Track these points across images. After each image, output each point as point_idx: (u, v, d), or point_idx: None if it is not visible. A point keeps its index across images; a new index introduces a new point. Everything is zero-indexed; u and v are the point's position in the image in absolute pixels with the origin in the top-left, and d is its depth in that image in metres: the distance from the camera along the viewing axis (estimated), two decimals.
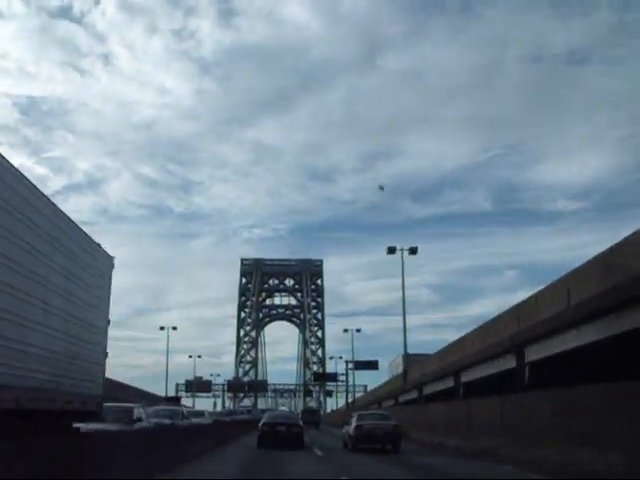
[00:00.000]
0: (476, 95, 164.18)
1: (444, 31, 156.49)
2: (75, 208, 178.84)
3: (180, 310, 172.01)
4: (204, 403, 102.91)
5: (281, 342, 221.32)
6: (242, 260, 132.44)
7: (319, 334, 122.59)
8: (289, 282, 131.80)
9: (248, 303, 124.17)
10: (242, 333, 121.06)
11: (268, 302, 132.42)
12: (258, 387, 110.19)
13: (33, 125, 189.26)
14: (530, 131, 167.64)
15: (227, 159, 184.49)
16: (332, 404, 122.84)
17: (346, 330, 70.73)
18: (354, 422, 22.32)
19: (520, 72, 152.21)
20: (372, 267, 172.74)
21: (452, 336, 40.61)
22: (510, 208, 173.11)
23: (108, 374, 14.26)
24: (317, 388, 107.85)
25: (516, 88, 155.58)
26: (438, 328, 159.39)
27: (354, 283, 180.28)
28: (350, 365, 69.95)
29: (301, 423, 23.80)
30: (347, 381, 73.30)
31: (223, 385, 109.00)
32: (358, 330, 70.28)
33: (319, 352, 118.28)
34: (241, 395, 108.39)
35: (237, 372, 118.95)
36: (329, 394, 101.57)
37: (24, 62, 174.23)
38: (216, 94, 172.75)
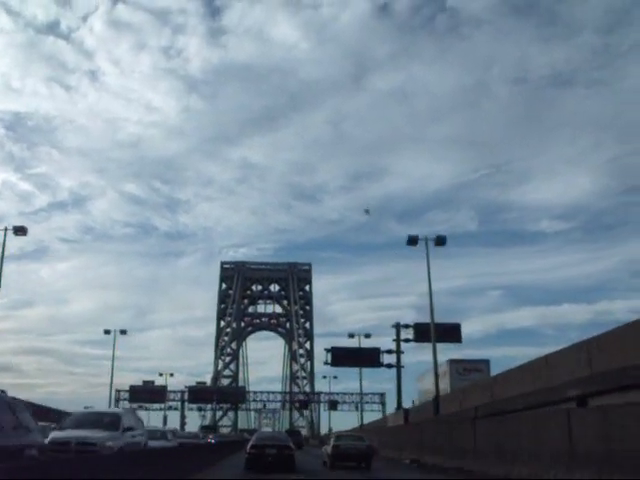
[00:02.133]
0: (462, 115, 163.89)
1: (431, 52, 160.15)
2: (60, 226, 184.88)
3: (164, 329, 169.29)
4: (157, 418, 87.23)
5: (265, 359, 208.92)
6: (222, 263, 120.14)
7: (307, 346, 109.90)
8: (274, 288, 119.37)
9: (228, 311, 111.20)
10: (222, 344, 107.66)
11: (251, 310, 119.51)
12: (233, 396, 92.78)
13: (18, 141, 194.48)
14: (515, 152, 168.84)
15: (213, 177, 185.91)
16: (340, 419, 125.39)
17: (352, 336, 58.80)
18: (332, 442, 24.76)
19: (506, 93, 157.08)
20: (358, 287, 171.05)
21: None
22: (495, 228, 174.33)
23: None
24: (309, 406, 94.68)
25: (502, 109, 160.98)
26: (423, 350, 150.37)
27: (339, 303, 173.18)
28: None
29: (292, 445, 22.15)
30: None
31: (182, 392, 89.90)
32: (367, 336, 59.88)
33: (307, 365, 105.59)
34: (208, 407, 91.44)
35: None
36: (334, 406, 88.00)
37: (10, 77, 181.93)
38: (203, 112, 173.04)
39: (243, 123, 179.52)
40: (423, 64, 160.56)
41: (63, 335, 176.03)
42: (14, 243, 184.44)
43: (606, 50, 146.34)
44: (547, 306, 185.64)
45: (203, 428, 68.32)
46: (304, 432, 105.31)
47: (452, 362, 35.54)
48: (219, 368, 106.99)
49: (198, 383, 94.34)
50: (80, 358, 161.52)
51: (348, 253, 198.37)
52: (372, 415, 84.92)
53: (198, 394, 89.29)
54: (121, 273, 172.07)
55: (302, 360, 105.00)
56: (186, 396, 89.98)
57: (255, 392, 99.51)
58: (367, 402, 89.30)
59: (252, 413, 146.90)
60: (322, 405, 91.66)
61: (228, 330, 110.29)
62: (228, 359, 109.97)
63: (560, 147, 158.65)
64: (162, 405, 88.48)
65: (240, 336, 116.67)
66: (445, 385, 36.00)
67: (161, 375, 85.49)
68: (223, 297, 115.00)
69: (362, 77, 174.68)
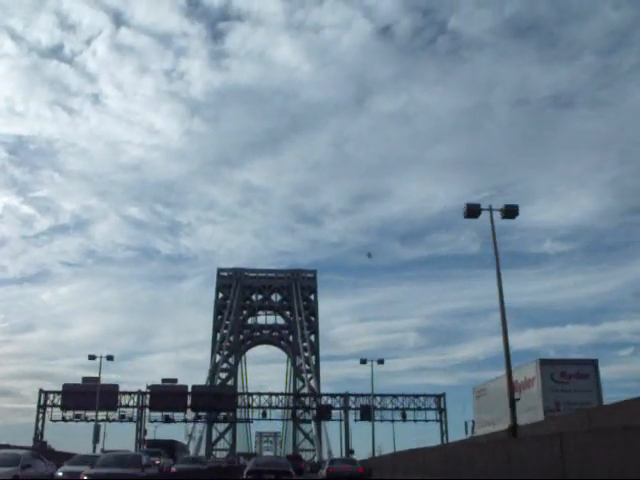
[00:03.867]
0: (464, 137, 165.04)
1: (432, 74, 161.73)
2: (61, 250, 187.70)
3: (167, 353, 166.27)
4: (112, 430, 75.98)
5: (266, 377, 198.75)
6: (219, 270, 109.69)
7: (313, 360, 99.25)
8: (276, 297, 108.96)
9: (226, 323, 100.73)
10: (218, 359, 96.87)
11: (250, 321, 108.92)
12: (216, 400, 70.77)
13: (21, 165, 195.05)
14: (518, 173, 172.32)
15: (215, 200, 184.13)
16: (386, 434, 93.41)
17: (364, 362, 51.65)
18: (327, 465, 29.16)
19: (507, 115, 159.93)
20: (360, 310, 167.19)
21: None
22: (498, 250, 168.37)
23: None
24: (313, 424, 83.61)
25: (504, 130, 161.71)
26: (426, 372, 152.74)
27: (341, 326, 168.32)
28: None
29: (292, 470, 20.92)
30: None
31: (140, 395, 70.06)
32: (381, 361, 51.94)
33: (312, 382, 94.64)
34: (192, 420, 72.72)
35: None
36: (366, 414, 69.28)
37: (13, 101, 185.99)
38: (205, 135, 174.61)
39: (245, 146, 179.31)
40: (425, 86, 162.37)
41: (64, 359, 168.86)
42: (16, 267, 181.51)
43: (607, 71, 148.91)
44: (551, 327, 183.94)
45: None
46: (310, 456, 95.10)
47: (544, 363, 24.22)
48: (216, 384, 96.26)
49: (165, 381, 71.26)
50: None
51: (350, 275, 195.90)
52: (425, 428, 73.32)
53: (163, 398, 69.18)
54: (123, 297, 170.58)
55: (308, 376, 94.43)
56: (147, 401, 70.62)
57: (251, 394, 78.00)
58: (418, 408, 74.42)
59: (253, 437, 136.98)
60: (353, 413, 74.11)
61: (227, 344, 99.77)
62: (225, 375, 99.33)
63: (562, 168, 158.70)
64: (116, 413, 68.89)
65: (238, 351, 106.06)
66: (534, 399, 25.41)
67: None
68: (220, 308, 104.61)
69: (364, 99, 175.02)
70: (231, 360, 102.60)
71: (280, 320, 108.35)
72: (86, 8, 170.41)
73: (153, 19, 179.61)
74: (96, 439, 50.68)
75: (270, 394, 76.55)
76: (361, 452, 66.61)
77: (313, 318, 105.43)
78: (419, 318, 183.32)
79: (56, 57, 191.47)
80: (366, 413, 68.56)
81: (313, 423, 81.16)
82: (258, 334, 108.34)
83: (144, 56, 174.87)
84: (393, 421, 72.35)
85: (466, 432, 35.00)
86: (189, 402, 71.24)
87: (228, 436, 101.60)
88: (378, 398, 72.70)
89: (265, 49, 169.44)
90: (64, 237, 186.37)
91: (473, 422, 34.51)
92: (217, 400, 72.04)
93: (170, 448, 44.85)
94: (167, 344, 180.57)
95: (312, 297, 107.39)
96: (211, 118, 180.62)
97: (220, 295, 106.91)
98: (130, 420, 69.67)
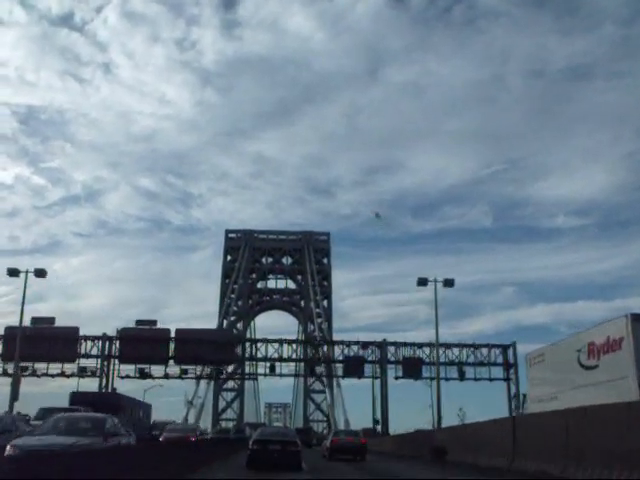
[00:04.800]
0: (478, 109, 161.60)
1: (447, 45, 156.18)
2: (73, 220, 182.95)
3: (178, 323, 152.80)
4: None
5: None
6: (227, 232, 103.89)
7: (326, 327, 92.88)
8: (287, 260, 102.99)
9: (234, 287, 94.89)
10: (225, 324, 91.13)
11: (260, 285, 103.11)
12: (213, 350, 57.71)
13: (32, 135, 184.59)
14: (532, 146, 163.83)
15: (227, 171, 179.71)
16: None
17: (424, 282, 36.80)
18: (330, 437, 29.72)
19: (522, 87, 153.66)
20: (371, 282, 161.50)
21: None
22: (510, 224, 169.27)
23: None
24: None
25: (518, 103, 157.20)
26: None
27: (352, 298, 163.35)
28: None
29: (298, 441, 20.28)
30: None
31: (106, 341, 59.11)
32: (449, 283, 36.99)
33: (324, 326, 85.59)
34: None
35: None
36: (412, 369, 59.65)
37: (24, 70, 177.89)
38: (217, 105, 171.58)
39: (258, 116, 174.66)
40: (438, 57, 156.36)
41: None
42: (28, 238, 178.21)
43: (626, 42, 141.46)
44: (562, 303, 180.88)
45: None
46: (322, 428, 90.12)
47: (637, 319, 17.76)
48: None
49: None
50: None
51: (362, 248, 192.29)
52: (489, 391, 60.45)
53: (137, 345, 56.08)
54: (134, 267, 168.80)
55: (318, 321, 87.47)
56: (115, 348, 58.55)
57: (255, 341, 65.68)
58: (480, 363, 61.48)
59: (262, 407, 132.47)
60: (393, 369, 61.99)
61: (235, 309, 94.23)
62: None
63: (577, 142, 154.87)
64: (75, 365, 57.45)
65: (247, 316, 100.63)
66: (620, 367, 18.59)
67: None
68: (228, 271, 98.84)
69: (377, 70, 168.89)
70: (239, 326, 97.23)
71: (291, 284, 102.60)
72: None
73: None
74: (14, 396, 36.11)
75: (280, 341, 63.87)
76: (399, 423, 61.03)
77: (326, 283, 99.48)
78: (429, 291, 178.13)
79: (67, 25, 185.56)
80: (412, 368, 57.04)
81: (327, 390, 72.66)
82: (268, 298, 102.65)
83: (155, 25, 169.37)
84: (448, 379, 59.00)
85: (517, 408, 28.84)
86: (172, 351, 58.68)
87: (236, 405, 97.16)
88: (426, 349, 60.74)
89: (278, 18, 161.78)
90: (76, 208, 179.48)
91: (524, 396, 28.21)
92: (212, 349, 56.99)
93: (107, 406, 28.29)
94: (178, 315, 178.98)
95: (325, 261, 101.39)
96: (223, 88, 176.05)
97: (229, 258, 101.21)
98: (93, 375, 57.61)
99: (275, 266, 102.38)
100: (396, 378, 61.54)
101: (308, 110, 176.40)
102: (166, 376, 60.10)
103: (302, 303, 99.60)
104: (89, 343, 59.53)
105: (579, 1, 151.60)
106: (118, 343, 59.34)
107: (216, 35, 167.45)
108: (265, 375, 64.06)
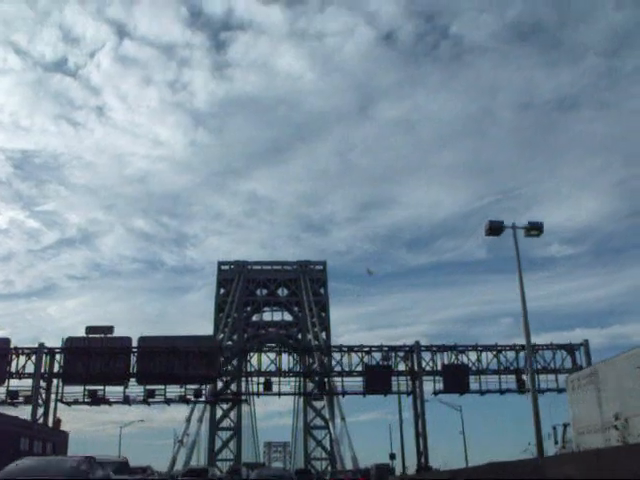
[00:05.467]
0: (469, 142, 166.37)
1: (435, 79, 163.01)
2: (68, 263, 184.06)
3: None
4: None
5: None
6: (219, 264, 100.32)
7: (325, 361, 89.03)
8: (282, 292, 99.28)
9: (227, 320, 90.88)
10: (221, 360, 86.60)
11: (255, 318, 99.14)
12: (186, 365, 45.54)
13: (26, 179, 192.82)
14: (523, 177, 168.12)
15: (221, 211, 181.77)
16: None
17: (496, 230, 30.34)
18: (328, 477, 28.20)
19: (511, 119, 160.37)
20: (366, 318, 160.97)
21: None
22: (504, 255, 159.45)
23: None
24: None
25: (508, 135, 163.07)
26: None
27: (349, 335, 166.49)
28: None
29: None
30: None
31: (43, 355, 45.73)
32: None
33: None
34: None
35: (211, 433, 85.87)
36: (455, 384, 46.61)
37: (19, 116, 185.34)
38: (210, 146, 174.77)
39: (250, 156, 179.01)
40: (428, 92, 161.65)
41: None
42: (23, 281, 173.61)
43: (610, 73, 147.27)
44: (559, 332, 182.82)
45: None
46: (324, 466, 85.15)
47: None
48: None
49: None
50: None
51: (357, 284, 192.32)
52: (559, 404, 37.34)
53: (86, 359, 43.94)
54: (130, 309, 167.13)
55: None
56: (58, 365, 45.72)
57: (247, 351, 54.62)
58: (544, 368, 48.23)
59: (261, 446, 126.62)
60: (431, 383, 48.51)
61: (229, 343, 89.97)
62: (227, 379, 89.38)
63: (567, 171, 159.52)
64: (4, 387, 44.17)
65: (240, 352, 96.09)
66: None
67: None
68: (221, 304, 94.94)
69: (368, 106, 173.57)
70: (234, 362, 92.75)
71: (287, 316, 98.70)
72: (89, 21, 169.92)
73: (156, 30, 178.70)
74: None
75: (279, 351, 54.78)
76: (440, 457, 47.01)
77: (324, 314, 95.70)
78: (427, 325, 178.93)
79: (60, 71, 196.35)
80: (456, 379, 43.54)
81: (330, 423, 67.69)
82: (263, 332, 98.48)
83: (148, 67, 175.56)
84: (503, 392, 46.97)
85: (556, 442, 24.68)
86: (134, 366, 45.48)
87: (233, 445, 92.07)
88: (472, 355, 48.42)
89: (268, 58, 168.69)
90: (71, 250, 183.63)
91: (565, 426, 24.16)
92: (187, 363, 44.64)
93: None
94: None
95: (322, 291, 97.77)
96: (215, 129, 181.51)
97: (222, 291, 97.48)
98: (28, 402, 43.86)
99: (270, 298, 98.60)
100: (435, 393, 47.50)
101: (300, 148, 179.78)
102: (126, 400, 46.23)
103: (299, 336, 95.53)
104: (22, 359, 45.76)
105: (561, 35, 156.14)
106: (62, 358, 46.18)
107: (207, 76, 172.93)
108: (258, 395, 51.94)
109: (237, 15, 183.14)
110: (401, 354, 49.11)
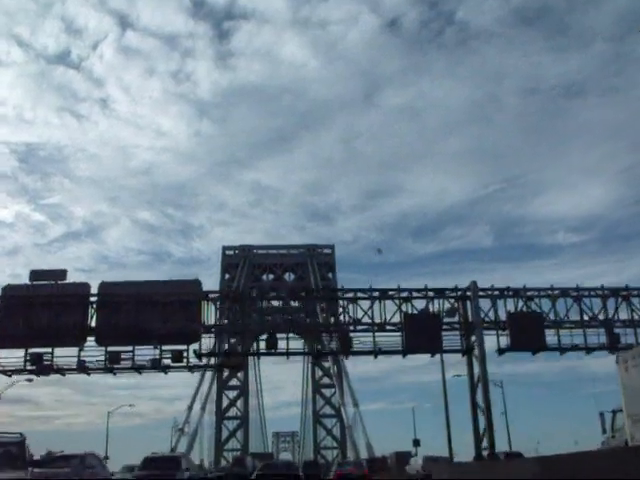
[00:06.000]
0: (474, 129, 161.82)
1: (441, 66, 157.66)
2: (74, 256, 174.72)
3: None
4: None
5: (281, 382, 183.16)
6: (224, 249, 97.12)
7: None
8: (289, 277, 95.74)
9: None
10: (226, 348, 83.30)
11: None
12: (164, 320, 33.32)
13: (31, 172, 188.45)
14: (529, 164, 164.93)
15: (226, 201, 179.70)
16: None
17: None
18: (334, 467, 34.37)
19: (517, 105, 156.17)
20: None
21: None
22: (511, 242, 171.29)
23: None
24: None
25: (514, 121, 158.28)
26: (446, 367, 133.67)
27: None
28: None
29: (301, 473, 22.57)
30: None
31: None
32: None
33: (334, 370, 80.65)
34: None
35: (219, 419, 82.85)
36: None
37: (22, 109, 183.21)
38: (214, 136, 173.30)
39: (254, 145, 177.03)
40: (433, 79, 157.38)
41: None
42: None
43: (618, 58, 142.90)
44: None
45: None
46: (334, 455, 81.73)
47: None
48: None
49: None
50: (97, 388, 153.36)
51: (364, 273, 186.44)
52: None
53: (29, 311, 32.78)
54: None
55: (327, 364, 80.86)
56: None
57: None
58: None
59: (269, 437, 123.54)
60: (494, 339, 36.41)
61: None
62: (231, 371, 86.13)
63: (574, 158, 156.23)
64: None
65: (249, 339, 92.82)
66: None
67: None
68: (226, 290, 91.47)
69: (372, 94, 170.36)
70: (239, 349, 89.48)
71: (294, 302, 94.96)
72: (92, 12, 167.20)
73: (158, 21, 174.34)
74: None
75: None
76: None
77: (333, 300, 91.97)
78: None
79: (63, 63, 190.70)
80: (527, 333, 32.63)
81: (342, 409, 64.32)
82: (269, 318, 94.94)
83: (151, 58, 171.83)
84: (589, 350, 34.72)
85: (603, 431, 20.49)
86: (93, 321, 33.68)
87: (240, 435, 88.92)
88: (546, 301, 35.61)
89: (271, 47, 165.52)
90: (77, 243, 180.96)
91: (614, 412, 20.12)
92: (164, 315, 33.34)
93: None
94: None
95: (330, 275, 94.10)
96: (219, 119, 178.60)
97: (226, 276, 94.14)
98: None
99: (276, 283, 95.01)
100: (499, 351, 35.34)
101: (305, 137, 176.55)
102: (81, 367, 33.87)
103: (307, 320, 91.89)
104: None
105: (569, 20, 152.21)
106: None
107: (211, 66, 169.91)
108: (258, 355, 40.99)
109: (240, 4, 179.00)
110: (451, 301, 37.11)
